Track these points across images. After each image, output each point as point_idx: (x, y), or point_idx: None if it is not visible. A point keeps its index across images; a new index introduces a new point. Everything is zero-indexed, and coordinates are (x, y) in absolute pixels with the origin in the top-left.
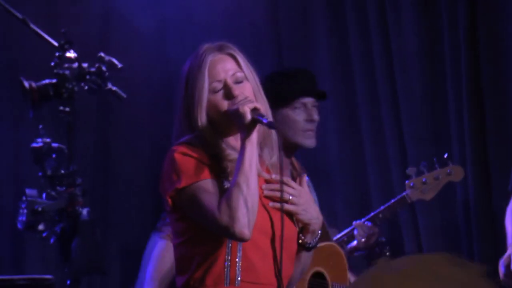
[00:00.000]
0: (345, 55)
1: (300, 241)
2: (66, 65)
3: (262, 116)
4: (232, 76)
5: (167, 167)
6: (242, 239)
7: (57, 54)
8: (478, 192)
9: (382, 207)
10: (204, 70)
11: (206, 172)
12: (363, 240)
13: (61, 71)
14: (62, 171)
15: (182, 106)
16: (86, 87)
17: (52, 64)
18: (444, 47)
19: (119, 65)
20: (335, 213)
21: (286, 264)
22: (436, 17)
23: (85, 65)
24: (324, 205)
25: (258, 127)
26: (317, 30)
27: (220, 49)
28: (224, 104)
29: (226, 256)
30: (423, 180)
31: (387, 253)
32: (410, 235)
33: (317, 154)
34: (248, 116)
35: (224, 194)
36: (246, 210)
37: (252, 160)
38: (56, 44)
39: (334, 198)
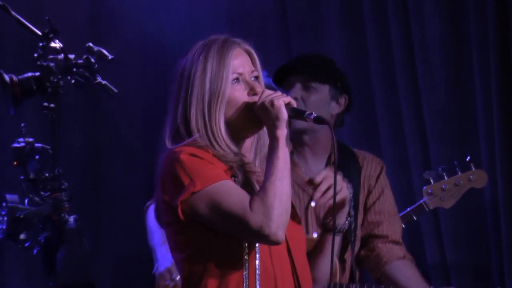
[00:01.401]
0: (359, 44)
1: (329, 222)
2: (51, 56)
3: (303, 111)
4: (251, 73)
5: (173, 171)
6: (276, 242)
7: (40, 44)
8: (509, 197)
9: None
10: (228, 60)
11: (221, 173)
12: None
13: (45, 63)
14: (47, 174)
15: (182, 104)
16: (73, 81)
17: (35, 55)
18: (470, 34)
19: (110, 57)
20: None
21: (305, 272)
22: (462, 0)
23: (71, 56)
24: None
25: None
26: (328, 17)
27: (239, 44)
28: (246, 99)
29: (244, 269)
30: (443, 186)
31: None
32: (432, 245)
33: None
34: (284, 111)
35: (256, 192)
36: (282, 210)
37: (287, 156)
38: (39, 33)
39: None
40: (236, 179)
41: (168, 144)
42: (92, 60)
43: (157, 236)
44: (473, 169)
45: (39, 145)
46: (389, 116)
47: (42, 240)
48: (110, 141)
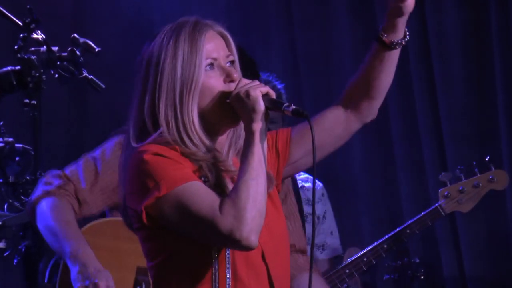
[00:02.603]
0: (370, 35)
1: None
2: (32, 48)
3: (281, 103)
4: (226, 57)
5: (136, 173)
6: (247, 247)
7: (21, 35)
8: None
9: (410, 221)
10: (200, 44)
11: (189, 173)
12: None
13: (26, 56)
14: (28, 177)
15: (150, 94)
16: (56, 75)
17: (16, 47)
18: (491, 25)
19: (97, 49)
20: (359, 228)
21: (283, 281)
22: None
23: (55, 48)
24: (346, 219)
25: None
26: (337, 6)
27: (212, 26)
28: (222, 87)
29: (213, 278)
30: (460, 188)
31: (422, 277)
32: (450, 255)
33: (337, 158)
34: (261, 103)
35: (228, 193)
36: (256, 212)
37: (262, 153)
38: (20, 23)
39: (358, 210)
40: (205, 179)
41: (133, 142)
42: (78, 52)
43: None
44: (493, 169)
45: (20, 145)
46: (402, 114)
47: (23, 249)
48: (96, 141)
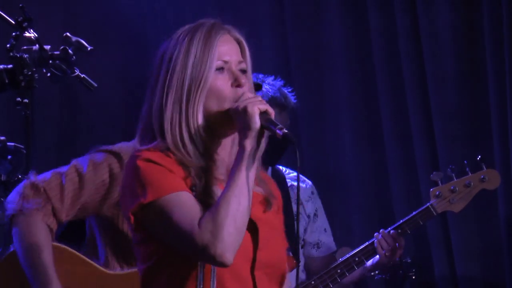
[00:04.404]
0: (362, 34)
1: None
2: (25, 47)
3: (275, 124)
4: (238, 63)
5: (129, 178)
6: (221, 264)
7: (13, 34)
8: None
9: (401, 221)
10: (214, 45)
11: (178, 183)
12: (387, 254)
13: (18, 55)
14: (19, 176)
15: (161, 89)
16: (48, 74)
17: (8, 46)
18: (483, 26)
19: (89, 48)
20: (350, 228)
21: None
22: None
23: (47, 47)
24: (337, 218)
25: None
26: (328, 4)
27: (229, 31)
28: (228, 90)
29: (197, 286)
30: (451, 187)
31: (413, 277)
32: (441, 255)
33: (329, 157)
34: (257, 120)
35: (209, 208)
36: (233, 230)
37: (250, 172)
38: (12, 21)
39: (349, 209)
40: (194, 188)
41: (138, 143)
42: (70, 51)
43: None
44: (485, 169)
45: (12, 144)
46: (394, 114)
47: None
48: (88, 139)
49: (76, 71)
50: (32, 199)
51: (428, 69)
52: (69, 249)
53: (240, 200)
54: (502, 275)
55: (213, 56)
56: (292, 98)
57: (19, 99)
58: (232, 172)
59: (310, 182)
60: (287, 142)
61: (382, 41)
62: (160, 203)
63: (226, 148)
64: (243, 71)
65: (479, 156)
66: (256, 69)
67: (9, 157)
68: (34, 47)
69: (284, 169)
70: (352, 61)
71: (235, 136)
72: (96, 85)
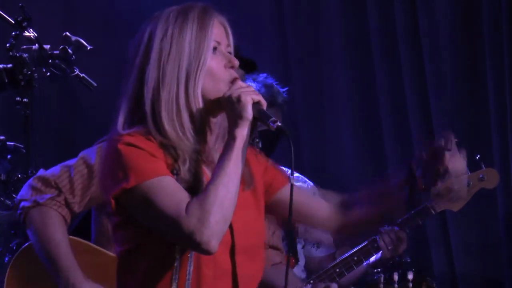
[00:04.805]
0: (362, 35)
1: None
2: (24, 46)
3: (268, 116)
4: (226, 46)
5: (109, 161)
6: (206, 251)
7: (13, 33)
8: None
9: (399, 220)
10: (209, 27)
11: (161, 168)
12: (390, 248)
13: (18, 54)
14: (19, 175)
15: (152, 71)
16: (48, 74)
17: (7, 45)
18: (483, 26)
19: (89, 47)
20: None
21: (249, 281)
22: None
23: (47, 46)
24: None
25: None
26: (327, 2)
27: (217, 15)
28: (223, 71)
29: (174, 272)
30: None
31: (411, 276)
32: (440, 255)
33: (327, 156)
34: (250, 111)
35: (193, 193)
36: (220, 218)
37: (238, 159)
38: (12, 21)
39: None
40: (176, 172)
41: (119, 127)
42: (70, 50)
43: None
44: (484, 168)
45: (11, 143)
46: (393, 113)
47: (14, 247)
48: (87, 138)
49: (75, 70)
50: (44, 192)
51: (428, 69)
52: (84, 240)
53: (228, 188)
54: (501, 273)
55: (210, 37)
56: (282, 95)
57: (18, 98)
58: (222, 160)
59: (311, 183)
60: (279, 135)
61: (382, 41)
62: (144, 188)
63: (215, 132)
64: (230, 54)
65: (478, 155)
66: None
67: (9, 156)
68: (33, 47)
69: (285, 169)
70: (352, 61)
71: (222, 121)
72: (95, 84)
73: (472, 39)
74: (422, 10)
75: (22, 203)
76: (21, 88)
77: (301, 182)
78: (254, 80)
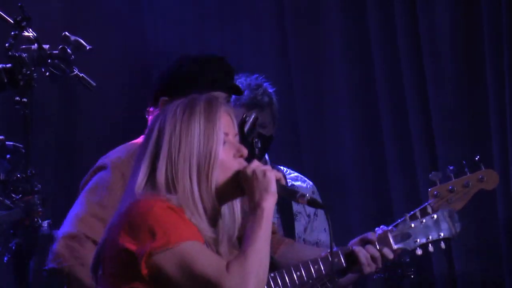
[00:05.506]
0: (361, 34)
1: None
2: (23, 46)
3: (294, 191)
4: (234, 136)
5: (145, 221)
6: None
7: (12, 33)
8: None
9: (399, 220)
10: (217, 119)
11: (197, 233)
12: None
13: (17, 54)
14: (18, 175)
15: (164, 161)
16: (47, 73)
17: (7, 45)
18: (482, 26)
19: (88, 47)
20: (349, 227)
21: None
22: None
23: (46, 46)
24: (336, 217)
25: None
26: (328, 4)
27: (222, 105)
28: (232, 161)
29: None
30: (450, 187)
31: (412, 276)
32: (440, 254)
33: (328, 155)
34: (275, 185)
35: (234, 257)
36: (260, 279)
37: (269, 229)
38: (11, 20)
39: (348, 208)
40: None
41: (139, 189)
42: (69, 50)
43: None
44: (483, 169)
45: (10, 143)
46: (393, 113)
47: (13, 247)
48: (87, 140)
49: (75, 70)
50: (82, 252)
51: (427, 68)
52: None
53: (263, 255)
54: (500, 274)
55: (220, 131)
56: (270, 96)
57: (18, 98)
58: (253, 228)
59: (311, 183)
60: (315, 206)
61: (382, 40)
62: (182, 249)
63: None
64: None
65: (478, 156)
66: (256, 69)
67: (8, 156)
68: (33, 46)
69: (285, 169)
70: (352, 61)
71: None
72: (95, 84)
73: (472, 39)
74: (422, 10)
75: (65, 263)
76: (21, 88)
77: (301, 182)
78: (245, 80)
